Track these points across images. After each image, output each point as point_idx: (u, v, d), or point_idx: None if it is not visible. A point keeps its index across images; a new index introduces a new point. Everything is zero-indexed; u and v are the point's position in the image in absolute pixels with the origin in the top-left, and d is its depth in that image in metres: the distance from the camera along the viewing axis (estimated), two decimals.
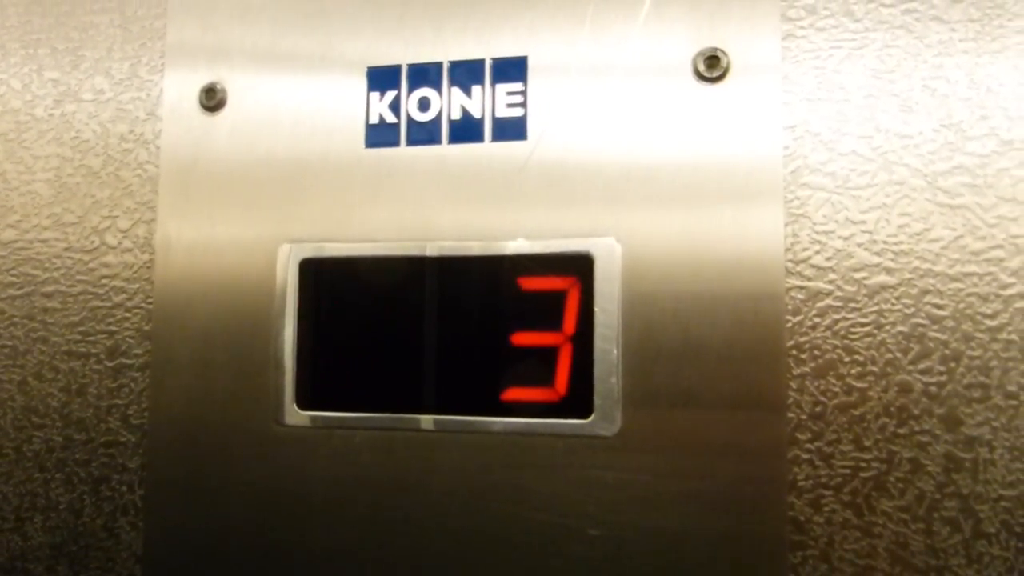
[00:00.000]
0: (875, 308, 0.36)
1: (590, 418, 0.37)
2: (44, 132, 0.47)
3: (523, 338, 0.38)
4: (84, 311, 0.45)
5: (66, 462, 0.45)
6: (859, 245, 0.37)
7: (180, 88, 0.44)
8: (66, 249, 0.46)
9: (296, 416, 0.40)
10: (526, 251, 0.38)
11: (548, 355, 0.37)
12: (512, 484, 0.38)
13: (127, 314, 0.44)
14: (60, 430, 0.45)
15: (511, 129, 0.39)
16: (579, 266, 0.37)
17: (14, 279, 0.46)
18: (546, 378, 0.37)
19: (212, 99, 0.43)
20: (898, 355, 0.36)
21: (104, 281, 0.45)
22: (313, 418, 0.40)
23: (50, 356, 0.45)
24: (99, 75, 0.47)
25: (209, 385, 0.42)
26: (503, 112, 0.40)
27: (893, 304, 0.36)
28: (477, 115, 0.40)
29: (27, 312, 0.46)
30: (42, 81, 0.48)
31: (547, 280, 0.38)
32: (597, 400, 0.37)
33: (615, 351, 0.37)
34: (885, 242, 0.36)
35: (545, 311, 0.38)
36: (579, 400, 0.37)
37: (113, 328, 0.45)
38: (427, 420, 0.39)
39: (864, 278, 0.36)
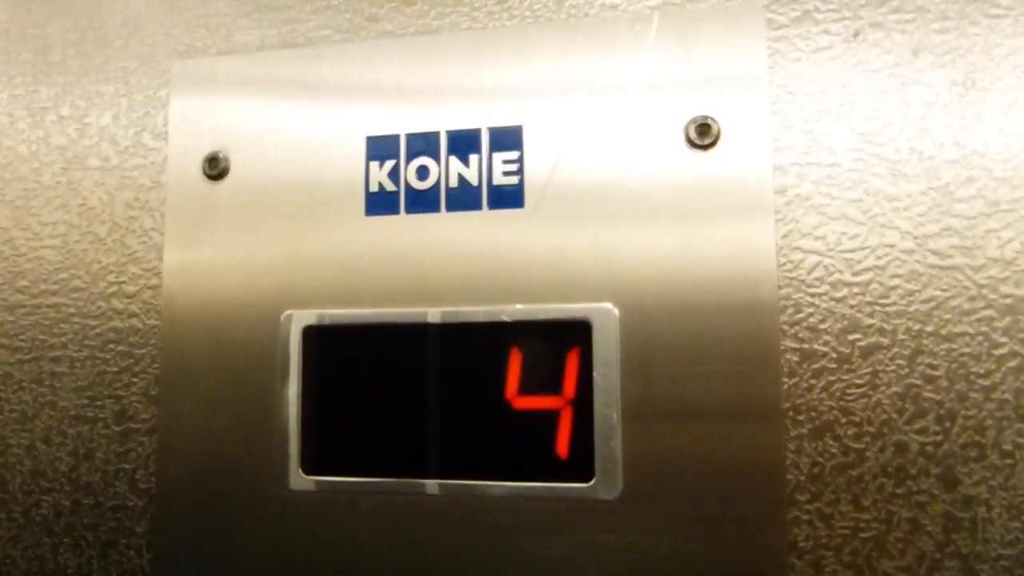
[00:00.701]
0: (869, 369, 0.37)
1: (592, 482, 0.37)
2: (51, 199, 0.48)
3: (524, 402, 0.38)
4: (92, 376, 0.46)
5: (74, 526, 0.45)
6: (852, 307, 0.37)
7: (184, 157, 0.45)
8: (73, 314, 0.47)
9: (301, 481, 0.41)
10: (525, 317, 0.39)
11: (549, 419, 0.38)
12: (516, 548, 0.38)
13: (134, 379, 0.45)
14: (68, 494, 0.45)
15: (508, 197, 0.40)
16: (577, 332, 0.38)
17: (22, 344, 0.47)
18: (548, 442, 0.38)
19: (215, 168, 0.44)
20: (893, 415, 0.36)
21: (111, 346, 0.46)
22: (318, 483, 0.41)
23: (58, 420, 0.46)
24: (105, 143, 0.48)
25: (215, 450, 0.42)
26: (500, 180, 0.40)
27: (887, 365, 0.37)
28: (474, 183, 0.41)
29: (35, 377, 0.47)
30: (49, 148, 0.49)
31: (546, 346, 0.38)
32: (598, 464, 0.37)
33: (615, 415, 0.37)
34: (878, 303, 0.37)
35: (545, 376, 0.38)
36: (580, 464, 0.38)
37: (120, 393, 0.45)
38: (431, 484, 0.39)
39: (858, 339, 0.37)
